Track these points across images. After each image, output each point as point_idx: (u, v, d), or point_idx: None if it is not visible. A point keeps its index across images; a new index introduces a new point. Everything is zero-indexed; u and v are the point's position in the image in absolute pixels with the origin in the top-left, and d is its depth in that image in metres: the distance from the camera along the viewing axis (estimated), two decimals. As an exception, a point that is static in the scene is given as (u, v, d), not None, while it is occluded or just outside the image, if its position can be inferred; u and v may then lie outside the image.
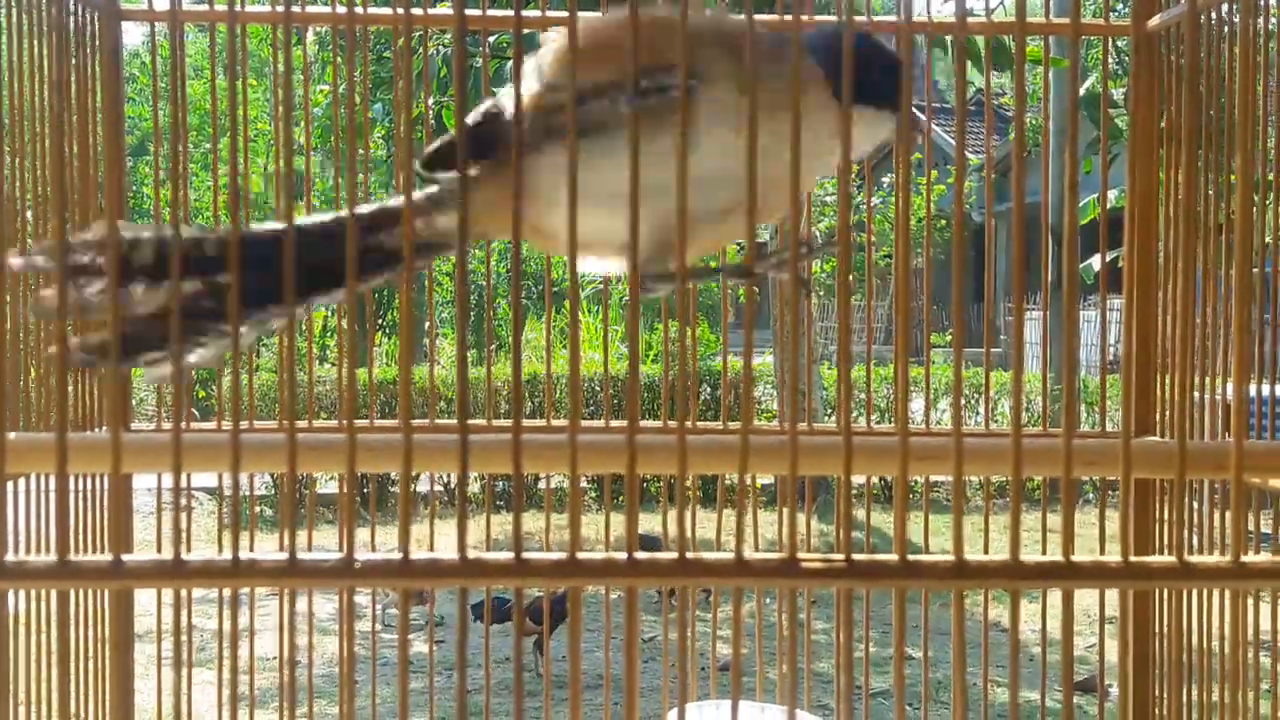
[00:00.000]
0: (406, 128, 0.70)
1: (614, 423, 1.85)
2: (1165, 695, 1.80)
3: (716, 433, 1.81)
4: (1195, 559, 0.77)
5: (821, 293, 11.00)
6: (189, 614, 1.84)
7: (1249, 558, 0.77)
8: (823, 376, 8.68)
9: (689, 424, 1.74)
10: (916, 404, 7.54)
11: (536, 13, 1.85)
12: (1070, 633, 0.74)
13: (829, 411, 8.37)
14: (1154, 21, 1.84)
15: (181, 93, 1.55)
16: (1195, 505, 1.79)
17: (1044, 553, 1.81)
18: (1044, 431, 1.95)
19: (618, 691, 4.94)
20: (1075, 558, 0.73)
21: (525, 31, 1.53)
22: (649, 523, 7.74)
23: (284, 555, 0.63)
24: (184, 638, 1.92)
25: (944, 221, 10.84)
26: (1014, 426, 0.76)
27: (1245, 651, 1.63)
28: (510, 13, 1.76)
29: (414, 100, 4.83)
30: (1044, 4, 8.46)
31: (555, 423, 1.81)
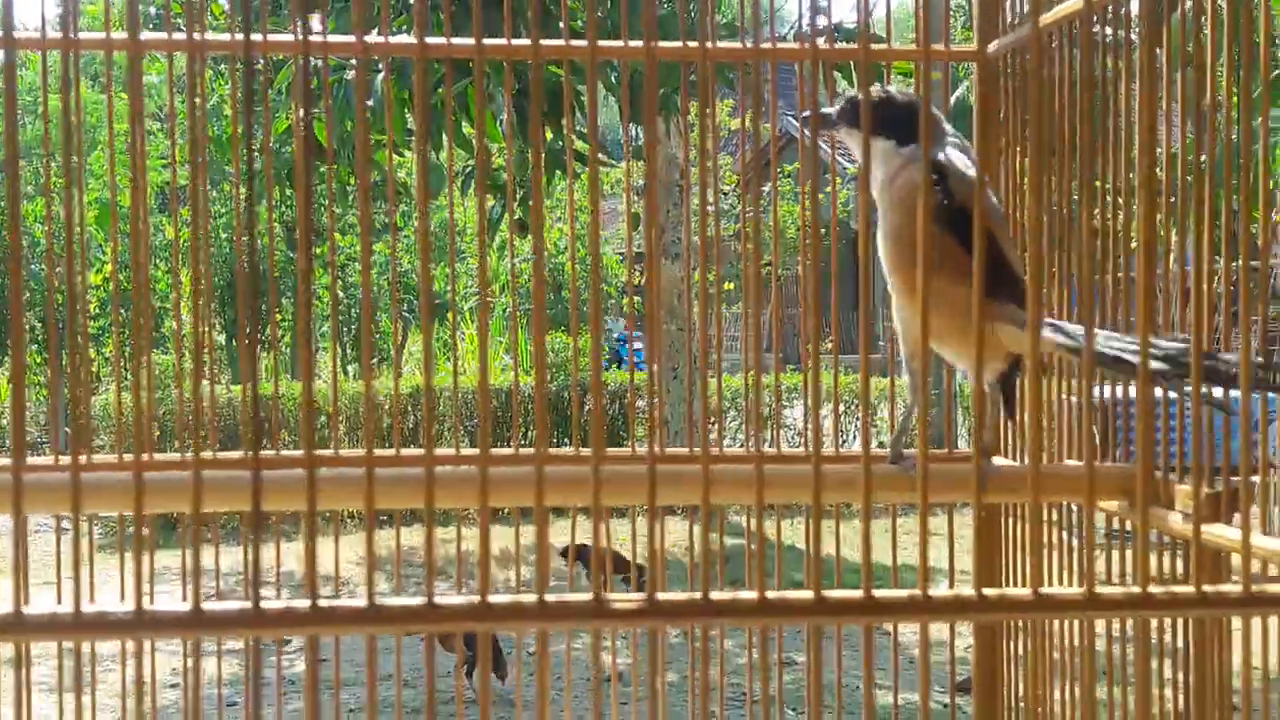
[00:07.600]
0: (364, 162, 0.70)
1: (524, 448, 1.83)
2: (1019, 703, 1.85)
3: (624, 460, 1.82)
4: (992, 592, 0.82)
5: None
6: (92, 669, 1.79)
7: (1051, 589, 0.82)
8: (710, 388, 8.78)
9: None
10: (798, 411, 7.64)
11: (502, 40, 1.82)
12: (926, 659, 0.76)
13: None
14: (994, 46, 1.89)
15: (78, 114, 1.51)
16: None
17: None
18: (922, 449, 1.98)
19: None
20: (880, 593, 0.76)
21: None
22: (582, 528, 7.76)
23: (188, 606, 0.62)
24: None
25: (825, 229, 11.04)
26: (815, 452, 0.78)
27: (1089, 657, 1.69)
28: (468, 41, 1.74)
29: (285, 114, 4.76)
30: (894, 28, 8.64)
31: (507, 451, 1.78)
